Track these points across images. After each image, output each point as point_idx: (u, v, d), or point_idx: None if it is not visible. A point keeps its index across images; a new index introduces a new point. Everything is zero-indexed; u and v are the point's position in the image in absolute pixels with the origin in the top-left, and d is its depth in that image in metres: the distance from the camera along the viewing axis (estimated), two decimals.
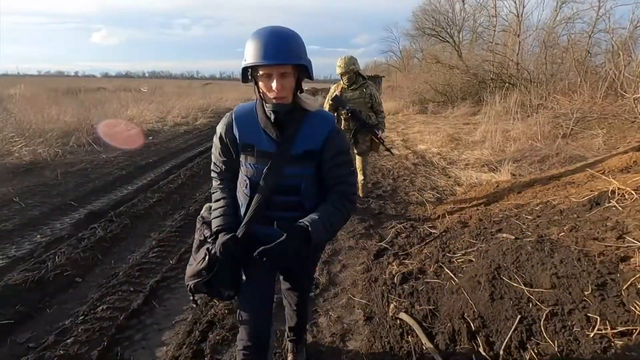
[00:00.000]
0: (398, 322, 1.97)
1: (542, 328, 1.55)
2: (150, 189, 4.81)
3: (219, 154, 1.36)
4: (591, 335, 1.44)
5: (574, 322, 1.51)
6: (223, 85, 38.85)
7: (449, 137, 7.97)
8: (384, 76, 23.14)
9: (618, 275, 1.54)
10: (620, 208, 2.00)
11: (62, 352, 2.02)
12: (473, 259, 2.13)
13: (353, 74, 3.76)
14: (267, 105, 1.22)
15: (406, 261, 2.58)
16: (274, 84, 1.14)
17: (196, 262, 1.31)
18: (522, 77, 11.74)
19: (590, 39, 13.48)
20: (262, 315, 1.36)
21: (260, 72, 1.15)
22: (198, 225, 1.42)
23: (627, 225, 1.80)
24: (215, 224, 1.30)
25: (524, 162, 5.59)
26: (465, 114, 11.70)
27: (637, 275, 1.48)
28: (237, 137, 1.28)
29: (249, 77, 1.22)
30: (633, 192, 2.08)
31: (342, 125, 3.83)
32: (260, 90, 1.20)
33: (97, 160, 6.15)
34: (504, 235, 2.24)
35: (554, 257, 1.76)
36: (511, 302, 1.70)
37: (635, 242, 1.66)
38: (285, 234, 1.10)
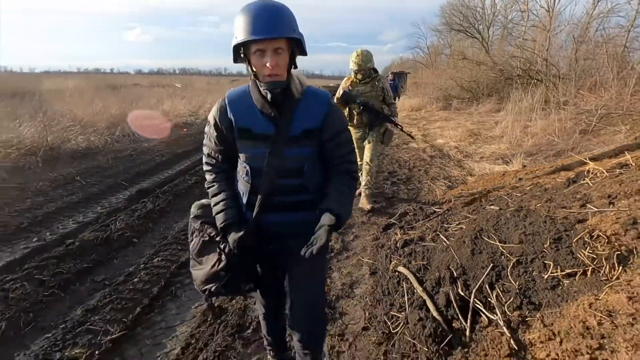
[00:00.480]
0: (396, 274, 2.42)
1: (509, 273, 1.95)
2: (188, 172, 5.46)
3: (215, 143, 1.28)
4: (545, 277, 1.83)
5: (533, 268, 1.90)
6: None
7: (468, 132, 8.21)
8: (409, 72, 23.18)
9: (572, 232, 1.91)
10: (590, 184, 2.33)
11: (131, 287, 2.61)
12: (464, 227, 2.54)
13: (369, 69, 3.72)
14: (262, 84, 1.16)
15: (410, 232, 3.01)
16: (267, 61, 1.08)
17: (208, 265, 1.24)
18: (550, 73, 11.65)
19: (628, 34, 13.10)
20: (278, 309, 1.49)
21: (253, 49, 1.09)
22: (196, 225, 1.34)
23: (592, 197, 2.13)
24: (220, 219, 1.24)
25: (539, 156, 5.81)
26: (490, 111, 11.77)
27: (585, 231, 1.85)
28: (233, 121, 1.22)
29: (241, 55, 1.16)
30: (605, 171, 2.40)
31: (355, 120, 3.82)
32: (254, 70, 1.15)
33: (140, 148, 6.91)
34: (492, 207, 2.62)
35: (525, 221, 2.14)
36: (487, 255, 2.10)
37: (593, 208, 2.01)
38: (326, 224, 1.13)
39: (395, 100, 4.21)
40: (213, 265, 1.23)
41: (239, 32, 1.08)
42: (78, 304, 2.46)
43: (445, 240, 2.49)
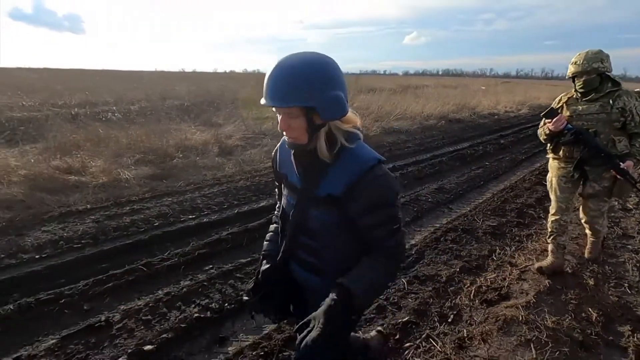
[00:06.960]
0: None
1: None
2: (495, 140, 10.53)
3: (275, 177, 1.42)
4: None
5: None
6: (520, 84, 39.22)
7: None
8: None
9: None
10: None
11: None
12: None
13: (596, 76, 2.57)
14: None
15: None
16: (279, 123, 1.13)
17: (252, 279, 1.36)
18: None
19: None
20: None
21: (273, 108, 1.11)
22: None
23: None
24: (263, 247, 1.43)
25: None
26: None
27: None
28: (278, 164, 1.35)
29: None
30: None
31: (561, 153, 2.78)
32: None
33: (477, 123, 12.83)
34: None
35: None
36: None
37: None
38: (327, 301, 1.10)
39: None
40: (249, 282, 1.37)
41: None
42: None
43: None
